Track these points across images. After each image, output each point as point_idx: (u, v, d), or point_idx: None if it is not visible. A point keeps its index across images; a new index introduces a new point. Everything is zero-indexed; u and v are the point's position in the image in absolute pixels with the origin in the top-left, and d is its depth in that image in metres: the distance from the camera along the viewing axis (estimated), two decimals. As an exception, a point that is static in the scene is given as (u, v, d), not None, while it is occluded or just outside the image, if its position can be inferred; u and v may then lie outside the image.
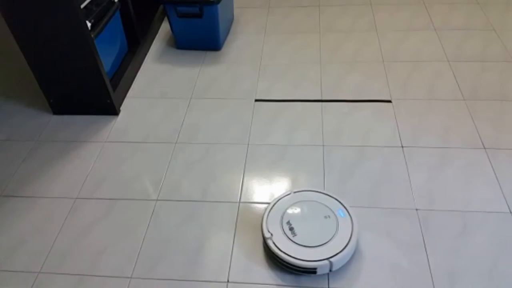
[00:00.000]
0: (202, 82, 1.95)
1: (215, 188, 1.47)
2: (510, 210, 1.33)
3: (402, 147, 1.56)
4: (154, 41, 2.25)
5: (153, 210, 1.41)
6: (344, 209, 1.25)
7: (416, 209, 1.35)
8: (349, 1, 2.45)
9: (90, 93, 1.73)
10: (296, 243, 1.18)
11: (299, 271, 1.17)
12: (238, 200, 1.42)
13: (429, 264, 1.21)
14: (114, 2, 1.83)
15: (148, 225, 1.37)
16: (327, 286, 1.18)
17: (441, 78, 1.86)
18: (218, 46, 2.13)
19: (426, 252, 1.24)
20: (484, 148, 1.53)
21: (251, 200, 1.42)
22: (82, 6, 1.72)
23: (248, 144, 1.62)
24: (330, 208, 1.25)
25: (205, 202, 1.43)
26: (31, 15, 1.49)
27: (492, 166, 1.47)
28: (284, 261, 1.16)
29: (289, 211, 1.26)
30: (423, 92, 1.79)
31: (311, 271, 1.16)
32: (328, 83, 1.88)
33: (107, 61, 1.81)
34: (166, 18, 2.42)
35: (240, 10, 2.45)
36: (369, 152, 1.55)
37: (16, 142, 1.71)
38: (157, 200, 1.44)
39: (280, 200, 1.30)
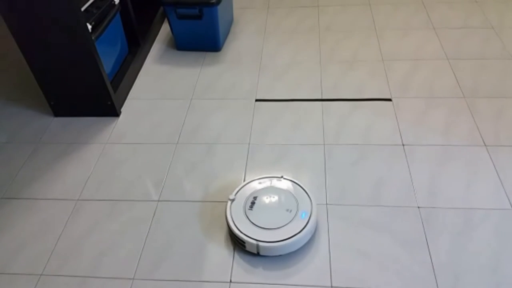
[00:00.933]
0: (203, 82, 1.95)
1: (217, 188, 1.47)
2: (511, 207, 1.33)
3: (403, 145, 1.56)
4: (155, 43, 2.25)
5: (155, 211, 1.41)
6: (308, 213, 1.27)
7: (418, 207, 1.35)
8: (348, 1, 2.46)
9: (91, 95, 1.73)
10: (246, 216, 1.27)
11: (233, 237, 1.27)
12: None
13: (432, 262, 1.21)
14: (114, 4, 1.84)
15: (150, 226, 1.37)
16: (329, 285, 1.18)
17: (441, 76, 1.86)
18: (218, 47, 2.13)
19: (429, 250, 1.24)
20: (485, 145, 1.53)
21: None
22: (83, 8, 1.72)
23: (249, 144, 1.62)
24: (298, 205, 1.28)
25: (206, 202, 1.43)
26: (32, 17, 1.49)
27: (493, 163, 1.47)
28: (228, 224, 1.26)
29: (263, 190, 1.33)
30: (423, 90, 1.79)
31: (241, 243, 1.25)
32: (328, 83, 1.88)
33: (107, 63, 1.81)
34: (166, 20, 2.42)
35: (239, 11, 2.45)
36: (370, 150, 1.55)
37: (17, 144, 1.71)
38: (158, 201, 1.45)
39: (265, 179, 1.37)
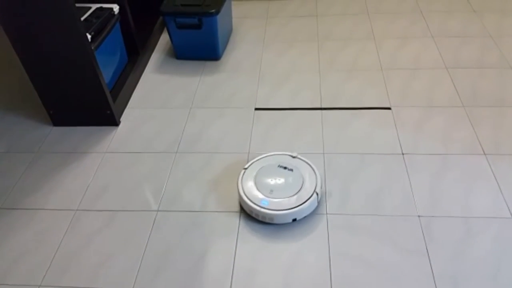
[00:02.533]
0: (202, 91, 1.95)
1: (216, 197, 1.47)
2: (511, 215, 1.33)
3: (403, 154, 1.56)
4: (154, 52, 2.26)
5: (154, 221, 1.41)
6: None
7: (418, 216, 1.35)
8: (346, 10, 2.47)
9: (90, 104, 1.74)
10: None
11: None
12: (239, 209, 1.42)
13: (432, 271, 1.20)
14: (114, 14, 1.85)
15: (149, 236, 1.36)
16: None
17: (439, 85, 1.87)
18: (218, 56, 2.14)
19: (429, 258, 1.23)
20: (484, 154, 1.54)
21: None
22: (82, 18, 1.74)
23: (248, 153, 1.62)
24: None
25: (206, 212, 1.42)
26: (31, 27, 1.50)
27: (492, 172, 1.47)
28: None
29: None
30: (422, 99, 1.80)
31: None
32: (327, 91, 1.88)
33: (107, 72, 1.82)
34: (165, 29, 2.43)
35: (239, 20, 2.47)
36: (370, 159, 1.55)
37: (16, 154, 1.71)
38: (158, 210, 1.44)
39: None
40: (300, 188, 1.35)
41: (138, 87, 2.02)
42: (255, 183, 1.37)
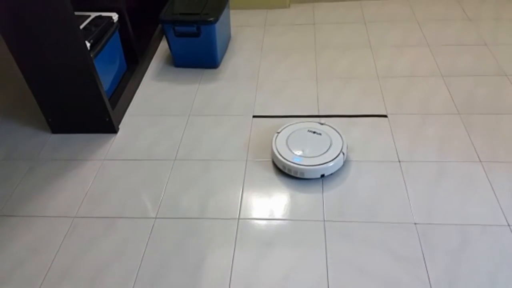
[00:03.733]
0: (200, 99, 1.97)
1: (214, 204, 1.47)
2: (508, 223, 1.34)
3: (399, 161, 1.57)
4: (153, 60, 2.28)
5: (152, 228, 1.41)
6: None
7: (415, 223, 1.36)
8: (343, 19, 2.50)
9: (89, 112, 1.75)
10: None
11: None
12: (238, 216, 1.43)
13: (429, 279, 1.21)
14: (113, 22, 1.87)
15: (147, 243, 1.37)
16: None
17: (435, 93, 1.89)
18: (216, 64, 2.16)
19: (426, 266, 1.24)
20: (480, 161, 1.55)
21: (250, 217, 1.42)
22: (82, 26, 1.75)
23: (246, 161, 1.63)
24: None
25: (204, 219, 1.43)
26: (31, 35, 1.51)
27: (488, 179, 1.48)
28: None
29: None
30: (419, 106, 1.82)
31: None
32: (324, 99, 1.90)
33: (106, 80, 1.83)
34: (164, 37, 2.45)
35: (237, 28, 2.49)
36: (366, 166, 1.56)
37: (14, 161, 1.71)
38: (156, 218, 1.44)
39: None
40: (328, 149, 1.53)
41: (137, 95, 2.03)
42: (287, 144, 1.56)
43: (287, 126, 1.65)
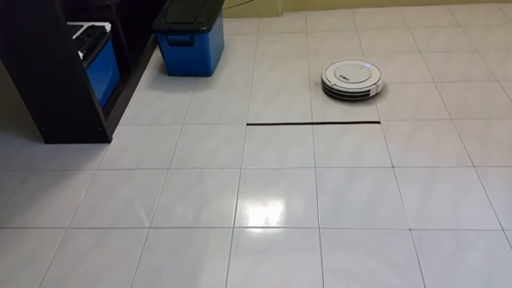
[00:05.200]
0: (194, 107, 1.97)
1: (209, 213, 1.47)
2: (502, 228, 1.34)
3: (393, 167, 1.58)
4: (146, 69, 2.28)
5: (146, 238, 1.40)
6: (368, 63, 2.02)
7: (410, 229, 1.36)
8: (335, 26, 2.52)
9: (82, 122, 1.74)
10: (352, 82, 1.92)
11: (357, 96, 1.90)
12: (232, 225, 1.42)
13: (424, 285, 1.21)
14: (106, 32, 1.87)
15: (141, 253, 1.36)
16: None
17: (427, 98, 1.90)
18: (209, 72, 2.16)
19: (421, 272, 1.24)
20: (473, 166, 1.56)
21: (245, 225, 1.42)
22: (74, 36, 1.75)
23: (240, 168, 1.63)
24: (372, 73, 1.95)
25: (198, 228, 1.42)
26: (23, 45, 1.51)
27: (482, 184, 1.49)
28: (348, 92, 1.89)
29: (338, 69, 2.00)
30: (411, 112, 1.83)
31: (366, 94, 1.89)
32: (317, 106, 1.91)
33: (99, 89, 1.83)
34: (157, 46, 2.46)
35: (230, 37, 2.50)
36: (360, 173, 1.57)
37: (7, 172, 1.70)
38: (149, 228, 1.43)
39: (329, 66, 2.03)
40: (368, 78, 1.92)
41: (130, 104, 2.03)
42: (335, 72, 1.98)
43: (339, 62, 2.06)
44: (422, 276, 1.23)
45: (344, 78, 1.91)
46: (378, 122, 1.79)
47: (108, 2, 1.87)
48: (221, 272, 1.28)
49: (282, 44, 2.39)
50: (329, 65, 2.02)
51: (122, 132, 1.86)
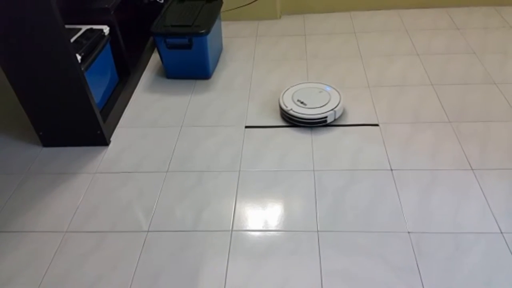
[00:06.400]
0: (193, 110, 1.96)
1: (207, 216, 1.46)
2: (500, 230, 1.34)
3: (392, 170, 1.58)
4: (145, 72, 2.28)
5: (144, 241, 1.40)
6: (329, 86, 1.91)
7: (408, 232, 1.36)
8: (334, 29, 2.52)
9: (80, 125, 1.74)
10: (309, 108, 1.81)
11: (313, 123, 1.79)
12: (231, 228, 1.42)
13: (423, 287, 1.21)
14: (104, 35, 1.87)
15: (140, 257, 1.35)
16: None
17: (426, 101, 1.90)
18: (208, 75, 2.16)
19: (420, 275, 1.24)
20: (472, 169, 1.56)
21: (244, 228, 1.41)
22: (72, 40, 1.75)
23: (239, 171, 1.62)
24: (331, 98, 1.84)
25: (197, 231, 1.42)
26: (21, 48, 1.51)
27: (480, 187, 1.49)
28: (304, 118, 1.78)
29: (296, 93, 1.90)
30: (410, 115, 1.83)
31: (323, 120, 1.78)
32: (316, 109, 1.91)
33: (97, 92, 1.82)
34: (156, 49, 2.46)
35: (229, 39, 2.50)
36: (359, 176, 1.56)
37: (4, 176, 1.69)
38: (148, 231, 1.43)
39: (287, 90, 1.92)
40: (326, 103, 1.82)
41: (128, 107, 2.03)
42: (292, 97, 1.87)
43: (292, 87, 1.94)
44: (421, 279, 1.23)
45: (302, 102, 1.81)
46: (377, 125, 1.79)
47: (106, 5, 1.87)
48: (220, 276, 1.28)
49: (280, 46, 2.40)
50: (288, 88, 1.92)
51: (121, 135, 1.85)
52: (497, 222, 1.37)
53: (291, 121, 1.82)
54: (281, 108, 1.84)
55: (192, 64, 2.12)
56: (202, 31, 1.99)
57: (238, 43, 2.46)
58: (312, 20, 2.63)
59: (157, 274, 1.30)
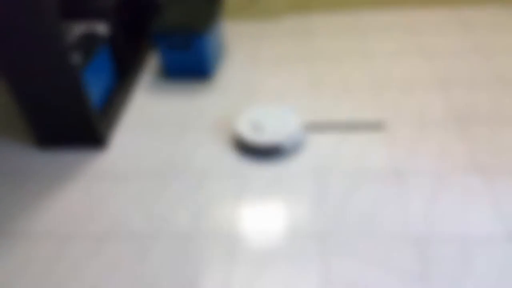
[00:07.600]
0: (193, 111, 1.93)
1: (208, 221, 1.42)
2: (509, 235, 1.29)
3: (397, 173, 1.53)
4: (144, 72, 2.25)
5: (144, 247, 1.36)
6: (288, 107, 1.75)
7: (415, 237, 1.31)
8: (339, 28, 2.48)
9: (78, 127, 1.70)
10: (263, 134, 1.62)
11: (265, 152, 1.62)
12: (232, 233, 1.38)
13: (431, 296, 1.16)
14: (102, 35, 1.84)
15: (138, 263, 1.31)
16: None
17: (432, 103, 1.86)
18: (208, 76, 2.13)
19: (427, 281, 1.19)
20: (479, 172, 1.51)
21: (246, 233, 1.38)
22: (70, 39, 1.72)
23: (241, 175, 1.58)
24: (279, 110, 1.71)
25: (197, 236, 1.38)
26: (17, 48, 1.48)
27: (488, 190, 1.44)
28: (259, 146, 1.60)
29: (252, 115, 1.71)
30: (416, 117, 1.78)
31: (276, 149, 1.61)
32: (319, 110, 1.86)
33: (95, 93, 1.79)
34: (155, 49, 2.42)
35: (230, 40, 2.47)
36: (364, 180, 1.52)
37: (0, 178, 1.66)
38: (147, 236, 1.39)
39: (244, 112, 1.74)
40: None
41: (127, 109, 1.99)
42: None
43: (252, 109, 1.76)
44: (428, 285, 1.18)
45: (256, 127, 1.63)
46: (382, 127, 1.75)
47: (105, 5, 1.84)
48: (222, 281, 1.24)
49: (283, 47, 2.36)
50: (244, 110, 1.76)
51: (119, 137, 1.82)
52: (505, 227, 1.32)
53: (243, 150, 1.67)
54: (234, 133, 1.70)
55: (192, 65, 2.08)
56: (202, 31, 1.95)
57: (240, 43, 2.43)
58: (316, 20, 2.59)
59: (156, 280, 1.26)
